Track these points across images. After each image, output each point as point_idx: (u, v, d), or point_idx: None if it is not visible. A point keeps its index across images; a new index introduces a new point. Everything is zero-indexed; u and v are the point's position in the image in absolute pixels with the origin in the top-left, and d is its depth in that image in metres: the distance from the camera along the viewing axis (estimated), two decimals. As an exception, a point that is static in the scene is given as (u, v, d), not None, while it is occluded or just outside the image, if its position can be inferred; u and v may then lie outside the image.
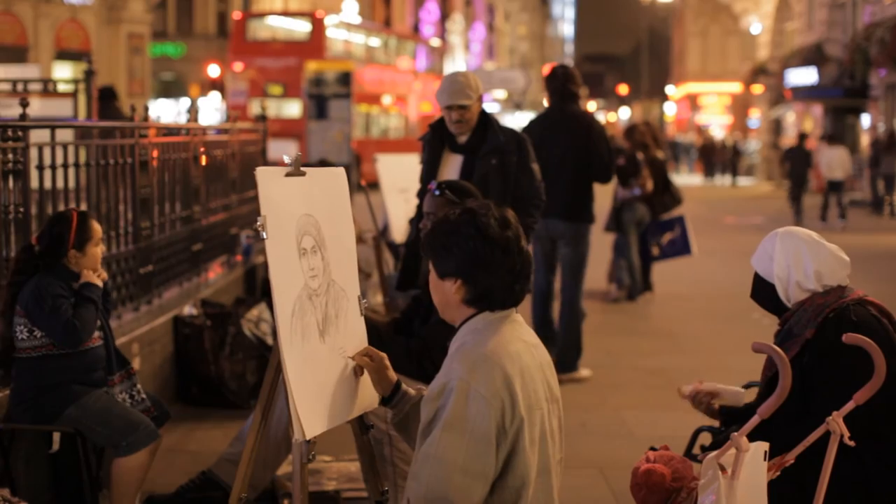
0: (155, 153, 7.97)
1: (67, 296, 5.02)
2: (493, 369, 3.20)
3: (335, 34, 33.99)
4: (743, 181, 44.25)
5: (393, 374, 3.69)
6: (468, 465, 3.15)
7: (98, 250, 5.22)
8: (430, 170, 6.79)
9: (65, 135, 6.83)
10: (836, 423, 3.52)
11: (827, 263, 4.00)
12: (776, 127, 45.62)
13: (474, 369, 3.19)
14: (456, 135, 6.74)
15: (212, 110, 37.14)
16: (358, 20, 41.65)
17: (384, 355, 3.73)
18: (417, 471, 3.20)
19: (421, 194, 6.75)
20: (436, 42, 50.06)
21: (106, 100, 13.62)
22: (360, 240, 9.83)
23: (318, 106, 25.24)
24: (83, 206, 7.12)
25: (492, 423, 3.16)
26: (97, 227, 5.25)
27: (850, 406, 3.55)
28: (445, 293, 3.37)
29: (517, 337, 3.34)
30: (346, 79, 25.01)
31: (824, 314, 3.92)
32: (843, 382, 3.69)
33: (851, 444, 3.52)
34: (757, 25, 46.80)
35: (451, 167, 6.75)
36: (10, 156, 5.89)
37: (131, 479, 5.08)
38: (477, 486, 3.16)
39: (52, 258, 5.09)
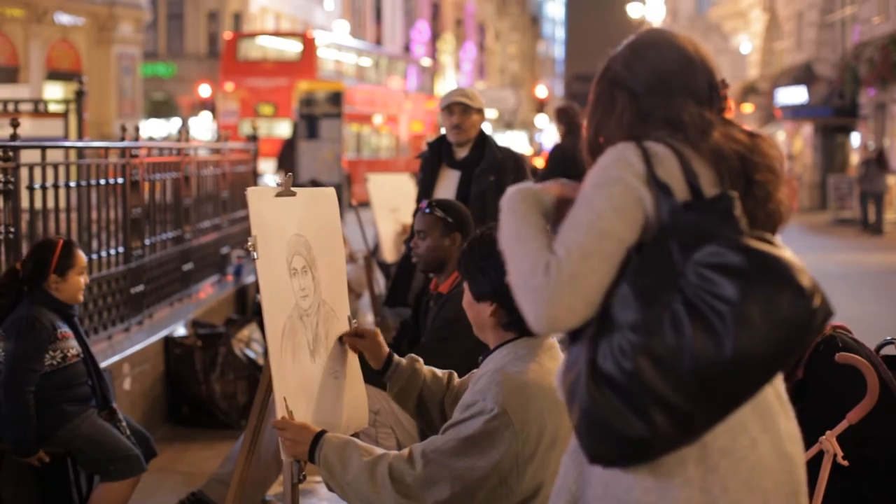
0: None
1: (41, 361, 4.96)
2: (529, 400, 3.18)
3: (326, 54, 34.04)
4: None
5: (385, 348, 3.78)
6: (464, 477, 3.15)
7: (81, 279, 5.19)
8: (426, 187, 6.78)
9: (55, 155, 6.83)
10: (830, 442, 3.51)
11: None
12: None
13: (511, 395, 3.17)
14: (454, 144, 6.72)
15: (203, 130, 37.17)
16: (349, 40, 41.73)
17: (376, 331, 3.81)
18: (422, 456, 3.19)
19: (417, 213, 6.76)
20: (427, 62, 50.17)
21: (289, 147, 14.29)
22: (350, 259, 9.83)
23: (309, 126, 25.22)
24: (73, 226, 7.12)
25: (507, 453, 3.15)
26: (81, 257, 5.23)
27: (843, 425, 3.54)
28: (480, 315, 3.36)
29: (556, 369, 3.33)
30: (337, 98, 24.98)
31: (810, 350, 3.90)
32: (836, 402, 3.69)
33: (845, 463, 3.51)
34: (746, 45, 46.96)
35: (448, 183, 6.73)
36: (1, 176, 5.89)
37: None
38: (455, 490, 3.15)
39: (34, 282, 5.08)
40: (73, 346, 5.09)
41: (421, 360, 3.84)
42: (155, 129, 39.35)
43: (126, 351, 6.98)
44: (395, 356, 3.77)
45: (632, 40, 2.50)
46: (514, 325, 3.28)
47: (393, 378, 3.75)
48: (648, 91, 2.40)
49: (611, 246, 2.20)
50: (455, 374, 3.87)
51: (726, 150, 2.31)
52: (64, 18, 33.19)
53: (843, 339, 3.93)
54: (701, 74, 2.43)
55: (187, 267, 9.14)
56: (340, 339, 3.80)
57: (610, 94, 2.45)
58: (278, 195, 3.63)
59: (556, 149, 9.88)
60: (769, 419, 2.26)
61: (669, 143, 2.30)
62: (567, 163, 9.13)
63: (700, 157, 2.30)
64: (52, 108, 12.04)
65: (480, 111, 6.70)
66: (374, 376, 3.87)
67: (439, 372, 3.85)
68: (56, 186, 6.57)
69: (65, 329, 5.08)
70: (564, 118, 10.17)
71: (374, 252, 9.54)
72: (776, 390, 2.32)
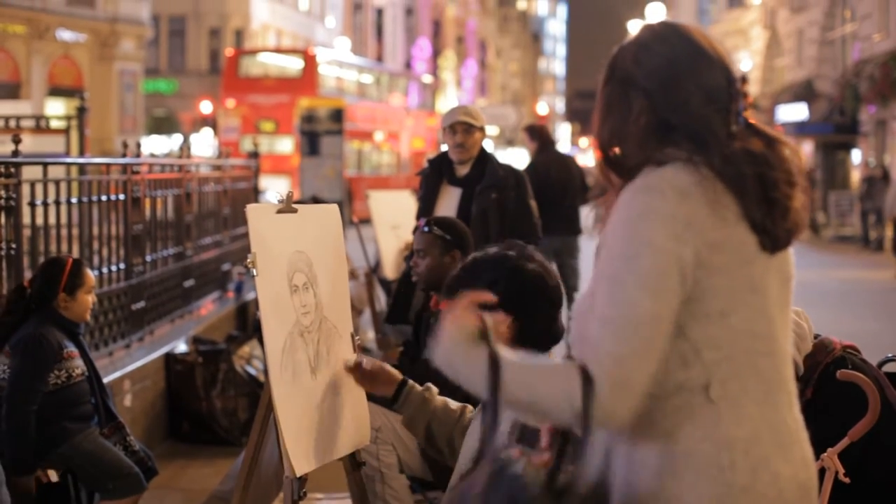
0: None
1: (46, 381, 4.95)
2: None
3: (327, 71, 34.08)
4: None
5: (395, 374, 3.68)
6: None
7: (89, 298, 5.20)
8: (427, 204, 6.76)
9: (57, 171, 6.84)
10: (831, 459, 3.51)
11: (808, 320, 3.98)
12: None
13: None
14: (456, 162, 6.71)
15: (204, 147, 37.19)
16: (350, 57, 41.78)
17: (379, 363, 3.74)
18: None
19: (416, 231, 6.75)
20: (428, 79, 50.23)
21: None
22: (351, 276, 9.82)
23: (311, 142, 25.27)
24: (75, 243, 7.12)
25: None
26: (90, 276, 5.24)
27: (844, 443, 3.54)
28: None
29: None
30: (338, 115, 25.05)
31: (819, 370, 3.88)
32: (838, 419, 3.68)
33: (846, 480, 3.51)
34: (747, 62, 47.03)
35: (449, 200, 6.71)
36: (2, 192, 5.89)
37: None
38: None
39: (42, 300, 5.07)
40: (79, 366, 5.09)
41: (435, 389, 3.77)
42: (156, 146, 39.36)
43: (127, 367, 6.98)
44: (409, 383, 3.71)
45: (638, 34, 2.26)
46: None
47: (403, 407, 3.69)
48: (662, 87, 2.18)
49: (655, 329, 2.05)
50: (469, 408, 3.80)
51: (748, 173, 2.13)
52: (66, 35, 33.26)
53: (853, 360, 3.91)
54: (717, 69, 2.20)
55: (188, 283, 9.13)
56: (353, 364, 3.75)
57: (623, 95, 2.22)
58: (279, 212, 3.63)
59: (529, 170, 9.45)
60: (789, 449, 2.18)
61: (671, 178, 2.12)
62: (540, 182, 9.08)
63: (722, 182, 2.12)
64: (54, 124, 12.05)
65: (482, 129, 6.71)
66: (381, 398, 3.84)
67: (453, 404, 3.76)
68: (58, 203, 6.58)
69: (71, 348, 5.07)
70: (536, 136, 10.29)
71: (375, 269, 9.54)
72: (794, 416, 2.22)
